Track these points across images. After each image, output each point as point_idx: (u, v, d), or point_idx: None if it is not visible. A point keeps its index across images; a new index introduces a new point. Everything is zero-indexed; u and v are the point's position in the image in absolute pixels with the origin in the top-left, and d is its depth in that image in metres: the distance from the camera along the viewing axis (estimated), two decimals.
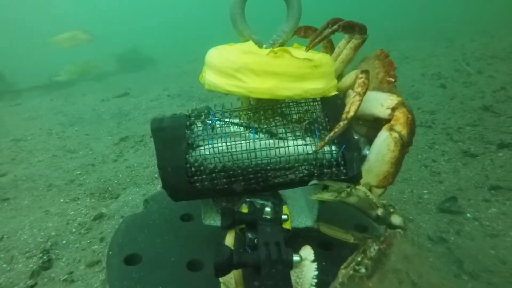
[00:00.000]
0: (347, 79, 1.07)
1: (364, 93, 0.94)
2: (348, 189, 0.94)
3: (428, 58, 4.78)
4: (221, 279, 0.85)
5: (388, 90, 1.05)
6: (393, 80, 1.10)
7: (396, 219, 0.94)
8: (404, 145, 0.95)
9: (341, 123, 0.90)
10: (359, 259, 0.82)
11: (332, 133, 0.90)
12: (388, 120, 0.97)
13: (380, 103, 0.99)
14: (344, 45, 1.12)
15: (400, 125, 0.95)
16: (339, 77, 1.15)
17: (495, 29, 5.82)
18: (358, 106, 0.93)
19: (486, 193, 1.84)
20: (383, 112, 0.98)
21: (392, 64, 1.13)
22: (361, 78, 0.95)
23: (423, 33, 6.71)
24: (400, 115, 0.95)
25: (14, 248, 1.54)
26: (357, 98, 0.93)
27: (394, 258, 0.78)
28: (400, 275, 0.75)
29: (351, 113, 0.91)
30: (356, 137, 1.07)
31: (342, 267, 0.84)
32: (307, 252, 0.87)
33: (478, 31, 5.95)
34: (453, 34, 6.09)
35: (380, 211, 0.95)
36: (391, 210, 0.96)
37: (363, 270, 0.79)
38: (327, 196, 0.96)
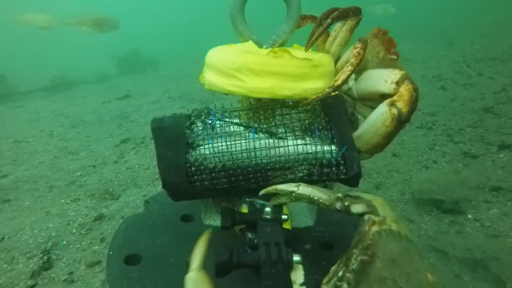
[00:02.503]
0: (344, 58, 1.05)
1: (358, 64, 0.90)
2: (293, 194, 0.90)
3: (428, 60, 4.78)
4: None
5: (391, 67, 0.98)
6: (395, 57, 1.03)
7: (356, 208, 0.85)
8: (401, 122, 0.89)
9: (326, 90, 0.90)
10: (340, 273, 0.75)
11: (315, 96, 0.90)
12: (392, 95, 0.90)
13: (384, 78, 0.93)
14: (340, 27, 1.11)
15: (402, 102, 0.89)
16: (337, 61, 1.13)
17: (495, 31, 5.82)
18: (348, 76, 0.89)
19: (487, 194, 1.84)
20: (388, 87, 0.91)
21: (392, 41, 1.06)
22: (357, 48, 0.91)
23: (424, 35, 6.72)
24: (405, 91, 0.89)
25: (14, 248, 1.54)
26: (349, 68, 0.89)
27: (379, 265, 0.71)
28: (386, 284, 0.68)
29: (339, 82, 0.89)
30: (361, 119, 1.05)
31: (324, 281, 0.78)
32: (298, 275, 0.84)
33: (478, 33, 5.96)
34: (454, 36, 6.10)
35: (337, 205, 0.87)
36: (347, 203, 0.86)
37: (345, 286, 0.72)
38: (283, 199, 0.94)
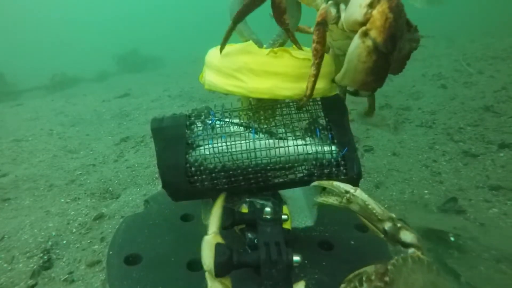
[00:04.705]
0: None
1: (320, 62, 0.78)
2: (347, 195, 0.83)
3: (428, 59, 4.77)
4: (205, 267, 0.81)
5: None
6: None
7: (406, 236, 0.76)
8: (381, 54, 0.71)
9: (304, 99, 0.87)
10: None
11: (303, 101, 0.87)
12: (365, 23, 0.72)
13: (359, 2, 0.73)
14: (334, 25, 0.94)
15: (375, 30, 0.69)
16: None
17: (496, 29, 5.81)
18: (314, 82, 0.80)
19: (487, 194, 1.84)
20: (360, 13, 0.72)
21: None
22: (314, 42, 0.78)
23: (424, 33, 6.70)
24: (378, 15, 0.68)
25: (14, 248, 1.54)
26: (313, 72, 0.80)
27: None
28: None
29: (308, 92, 0.84)
30: None
31: None
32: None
33: (479, 32, 5.95)
34: (454, 35, 6.09)
35: (387, 225, 0.79)
36: (399, 225, 0.79)
37: None
38: (332, 200, 0.88)
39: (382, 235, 0.80)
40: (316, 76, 0.82)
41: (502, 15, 6.95)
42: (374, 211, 0.80)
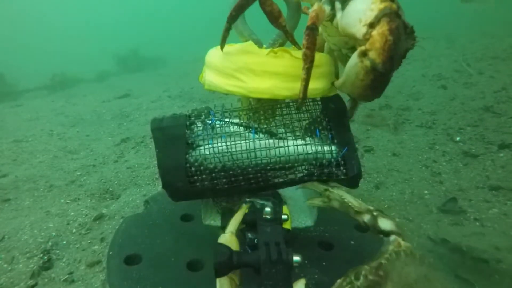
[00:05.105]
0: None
1: (310, 67, 0.76)
2: (326, 192, 0.88)
3: (428, 59, 4.77)
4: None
5: None
6: None
7: (384, 224, 0.78)
8: (379, 74, 0.71)
9: (299, 100, 0.86)
10: None
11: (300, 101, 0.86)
12: (365, 41, 0.70)
13: (359, 16, 0.70)
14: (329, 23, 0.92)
15: (374, 52, 0.68)
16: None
17: (496, 29, 5.81)
18: (306, 86, 0.79)
19: (487, 194, 1.84)
20: (360, 31, 0.69)
21: None
22: (304, 45, 0.75)
23: (423, 34, 6.71)
24: (378, 36, 0.67)
25: (14, 248, 1.54)
26: (302, 76, 0.77)
27: None
28: None
29: (301, 95, 0.83)
30: None
31: None
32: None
33: (479, 32, 5.95)
34: (454, 35, 6.09)
35: (366, 217, 0.81)
36: (376, 213, 0.81)
37: None
38: (317, 202, 0.94)
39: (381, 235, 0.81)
40: (307, 80, 0.80)
41: (502, 15, 6.95)
42: (350, 205, 0.85)
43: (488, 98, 3.04)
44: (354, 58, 0.73)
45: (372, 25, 0.67)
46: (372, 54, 0.68)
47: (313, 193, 1.04)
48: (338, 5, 0.80)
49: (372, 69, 0.70)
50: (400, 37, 0.68)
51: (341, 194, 0.87)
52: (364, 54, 0.70)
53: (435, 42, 5.75)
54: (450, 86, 3.61)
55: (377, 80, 0.73)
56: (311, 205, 0.98)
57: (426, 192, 1.90)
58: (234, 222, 0.92)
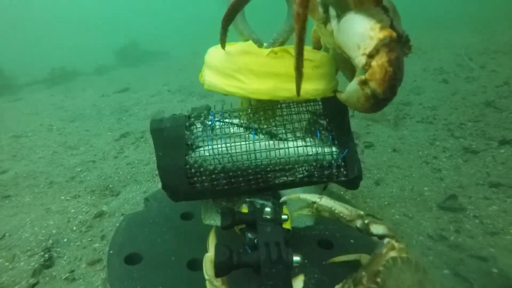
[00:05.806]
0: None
1: (301, 30, 0.68)
2: (315, 205, 0.89)
3: (430, 53, 4.74)
4: (206, 277, 0.85)
5: (372, 16, 0.69)
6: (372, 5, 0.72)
7: (377, 229, 0.82)
8: (380, 100, 0.72)
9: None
10: None
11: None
12: (364, 70, 0.70)
13: (357, 42, 0.68)
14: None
15: (375, 82, 0.68)
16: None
17: (498, 22, 5.76)
18: (300, 78, 0.77)
19: (487, 191, 1.84)
20: (359, 59, 0.68)
21: None
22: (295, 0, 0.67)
23: (425, 27, 6.65)
24: (377, 68, 0.66)
25: (15, 246, 1.55)
26: (295, 41, 0.71)
27: None
28: None
29: (296, 90, 0.81)
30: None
31: None
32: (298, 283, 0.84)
33: (481, 25, 5.89)
34: (456, 28, 6.03)
35: (358, 223, 0.85)
36: (367, 221, 0.84)
37: None
38: (305, 212, 0.95)
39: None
40: (300, 46, 0.72)
41: (504, 8, 6.87)
42: (341, 215, 0.87)
43: (490, 92, 3.03)
44: (354, 85, 0.74)
45: (371, 56, 0.67)
46: (372, 84, 0.69)
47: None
48: (332, 12, 0.78)
49: (373, 96, 0.71)
50: (400, 66, 0.68)
51: (330, 206, 0.88)
52: (364, 83, 0.70)
53: (436, 36, 5.70)
54: (451, 80, 3.58)
55: (378, 104, 0.74)
56: (296, 214, 0.98)
57: (426, 188, 1.90)
58: (212, 242, 0.91)
